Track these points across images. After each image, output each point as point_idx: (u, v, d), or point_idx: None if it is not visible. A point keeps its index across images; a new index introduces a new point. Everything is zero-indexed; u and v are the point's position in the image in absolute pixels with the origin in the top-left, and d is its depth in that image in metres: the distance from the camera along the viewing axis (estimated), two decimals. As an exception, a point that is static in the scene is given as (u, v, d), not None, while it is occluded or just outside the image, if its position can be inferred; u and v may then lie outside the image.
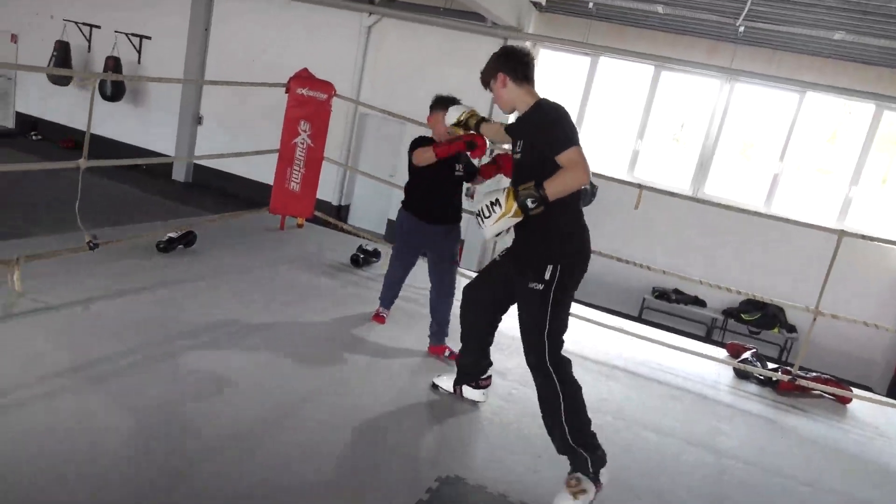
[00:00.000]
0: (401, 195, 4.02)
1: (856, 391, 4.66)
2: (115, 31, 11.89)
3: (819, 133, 9.25)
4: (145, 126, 12.26)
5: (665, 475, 3.16)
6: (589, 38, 9.40)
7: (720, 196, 9.19)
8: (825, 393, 4.48)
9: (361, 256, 5.32)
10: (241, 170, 10.80)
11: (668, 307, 9.30)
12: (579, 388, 2.76)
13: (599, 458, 2.70)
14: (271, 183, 5.58)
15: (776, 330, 8.82)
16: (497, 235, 2.70)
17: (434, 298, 3.95)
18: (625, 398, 3.96)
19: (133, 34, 11.96)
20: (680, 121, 9.86)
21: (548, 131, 2.69)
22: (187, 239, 4.83)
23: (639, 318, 9.00)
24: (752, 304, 8.89)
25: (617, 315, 7.05)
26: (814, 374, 4.59)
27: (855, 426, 4.23)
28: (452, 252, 3.96)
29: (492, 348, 3.37)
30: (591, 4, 8.44)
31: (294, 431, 2.85)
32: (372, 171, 9.85)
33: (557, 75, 10.03)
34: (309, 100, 5.24)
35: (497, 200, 2.62)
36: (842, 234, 4.30)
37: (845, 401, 4.48)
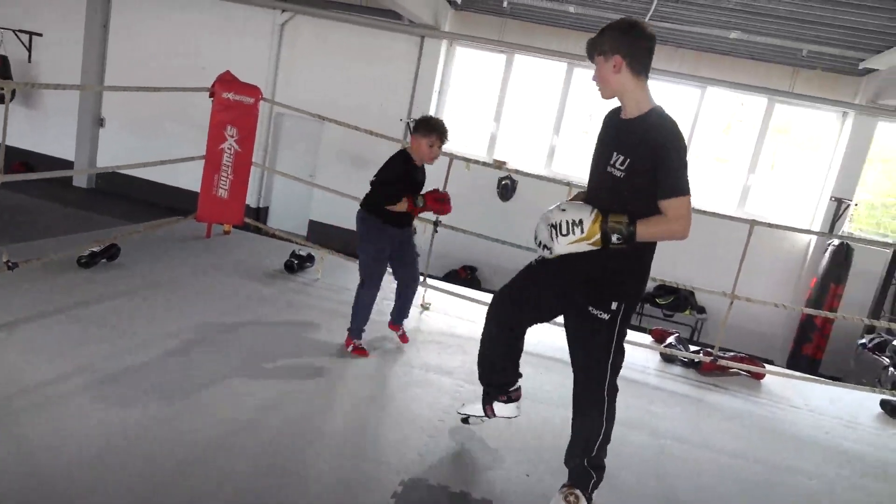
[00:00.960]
0: (322, 195, 4.14)
1: (767, 367, 5.08)
2: (1, 28, 11.00)
3: (717, 125, 9.91)
4: (40, 129, 11.44)
5: (611, 459, 3.34)
6: (504, 36, 9.62)
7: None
8: (742, 370, 4.85)
9: (296, 262, 5.24)
10: (152, 174, 10.29)
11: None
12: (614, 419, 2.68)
13: (600, 479, 2.68)
14: (187, 188, 5.38)
15: (688, 312, 9.40)
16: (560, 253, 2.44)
17: (405, 288, 4.10)
18: (565, 388, 4.12)
19: (21, 30, 11.10)
20: (588, 112, 10.27)
21: (667, 165, 2.29)
22: (110, 252, 4.58)
23: (562, 308, 9.33)
24: (664, 289, 9.42)
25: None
26: (731, 353, 4.96)
27: (770, 399, 4.62)
28: (413, 250, 4.06)
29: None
30: (505, 3, 8.65)
31: (251, 446, 2.80)
32: (291, 172, 9.69)
33: (474, 72, 10.21)
34: (235, 104, 5.08)
35: (580, 221, 2.36)
36: (753, 223, 4.67)
37: (759, 377, 4.87)
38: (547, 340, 4.45)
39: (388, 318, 4.25)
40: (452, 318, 5.03)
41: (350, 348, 3.89)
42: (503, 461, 3.10)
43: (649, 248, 2.51)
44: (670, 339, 5.11)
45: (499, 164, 9.40)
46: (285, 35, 10.43)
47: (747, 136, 9.67)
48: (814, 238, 9.28)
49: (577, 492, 2.63)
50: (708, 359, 4.76)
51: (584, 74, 9.78)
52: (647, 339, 5.41)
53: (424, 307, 5.03)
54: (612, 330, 2.51)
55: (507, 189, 9.87)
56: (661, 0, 7.22)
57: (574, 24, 9.25)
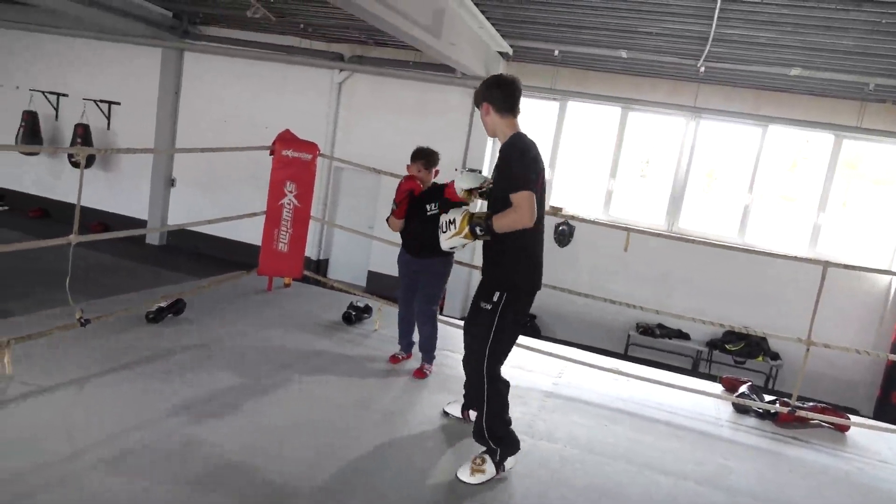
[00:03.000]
0: (381, 245, 4.41)
1: (852, 418, 4.73)
2: (84, 99, 11.85)
3: (782, 162, 9.59)
4: (116, 191, 12.13)
5: (684, 520, 3.15)
6: (556, 83, 9.69)
7: (693, 229, 9.42)
8: (824, 422, 4.53)
9: (353, 313, 5.28)
10: (217, 230, 10.70)
11: (652, 342, 9.37)
12: (505, 399, 3.23)
13: (508, 450, 3.18)
14: (250, 242, 5.55)
15: (760, 358, 8.94)
16: (452, 248, 3.11)
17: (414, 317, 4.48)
18: (632, 441, 3.95)
19: (102, 100, 11.94)
20: (645, 157, 10.14)
21: (510, 167, 2.98)
22: (176, 307, 4.75)
23: (625, 355, 9.05)
24: (734, 335, 9.02)
25: (603, 353, 7.10)
26: (811, 403, 4.65)
27: (857, 454, 4.28)
28: (428, 286, 4.33)
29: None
30: (556, 52, 8.73)
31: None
32: (350, 224, 9.88)
33: (528, 121, 10.27)
34: (294, 161, 5.26)
35: (454, 220, 3.03)
36: (826, 265, 4.43)
37: (844, 429, 4.53)
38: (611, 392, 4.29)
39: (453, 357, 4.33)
40: (512, 367, 4.91)
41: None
42: None
43: (515, 242, 3.00)
44: (743, 388, 4.84)
45: (555, 211, 9.35)
46: (343, 93, 10.82)
47: (815, 174, 9.30)
48: (894, 279, 8.73)
49: (485, 456, 3.16)
50: (786, 409, 4.47)
51: (639, 118, 9.72)
52: (717, 388, 5.15)
53: (482, 357, 4.95)
54: (493, 317, 3.04)
55: (563, 235, 9.77)
56: (715, 41, 7.13)
57: (626, 69, 9.24)
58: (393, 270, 10.26)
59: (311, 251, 10.76)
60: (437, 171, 4.32)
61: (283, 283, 5.97)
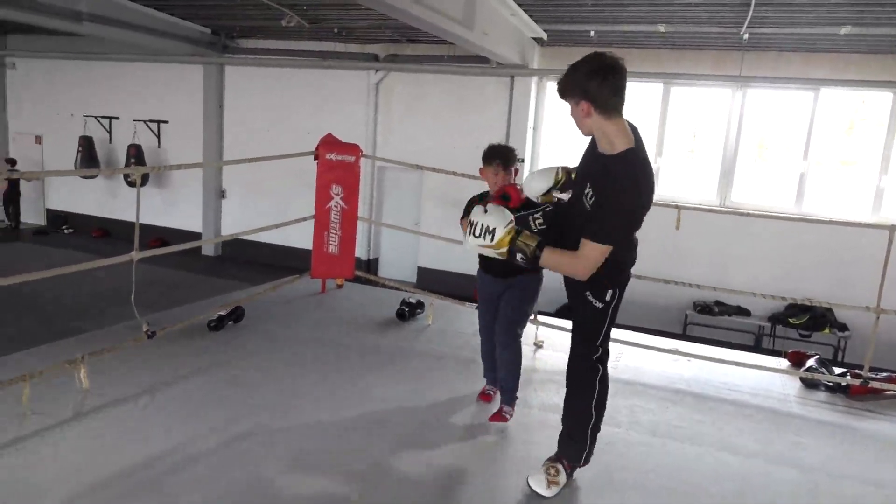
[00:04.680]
0: (428, 241, 4.14)
1: (931, 386, 4.51)
2: (134, 120, 12.31)
3: (837, 126, 9.20)
4: (171, 206, 12.56)
5: (757, 500, 3.07)
6: (594, 65, 9.52)
7: (747, 203, 9.14)
8: (900, 392, 4.35)
9: (406, 310, 5.34)
10: (268, 237, 10.96)
11: (711, 320, 9.15)
12: (607, 389, 2.87)
13: (589, 456, 2.89)
14: (301, 246, 5.67)
15: (827, 330, 8.62)
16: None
17: (493, 346, 3.68)
18: (696, 422, 3.88)
19: (151, 120, 12.37)
20: (692, 131, 9.87)
21: (603, 209, 2.40)
22: (236, 314, 4.89)
23: (683, 335, 8.86)
24: (797, 308, 8.72)
25: (662, 335, 6.96)
26: (884, 373, 4.47)
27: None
28: (512, 306, 3.58)
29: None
30: (592, 33, 8.58)
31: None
32: (396, 222, 9.97)
33: (566, 106, 10.16)
34: (338, 163, 5.34)
35: (493, 230, 2.46)
36: (893, 228, 4.23)
37: (922, 398, 4.34)
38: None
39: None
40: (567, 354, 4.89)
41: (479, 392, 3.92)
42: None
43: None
44: (811, 363, 4.68)
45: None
46: (380, 93, 10.90)
47: (874, 135, 8.89)
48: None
49: (558, 465, 2.89)
50: (857, 381, 4.30)
51: (682, 93, 9.47)
52: (783, 363, 5.00)
53: (538, 345, 4.94)
54: (605, 315, 2.74)
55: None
56: (758, 6, 6.88)
57: (666, 43, 9.01)
58: (443, 265, 10.31)
59: (360, 251, 10.89)
60: (516, 171, 3.68)
61: (335, 285, 6.08)
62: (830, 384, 4.45)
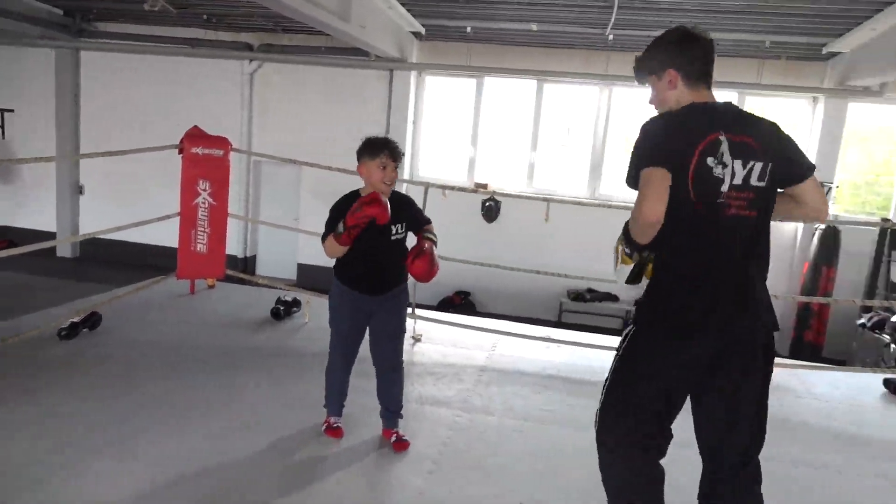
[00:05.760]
0: (307, 237, 3.79)
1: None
2: (-28, 108, 11.07)
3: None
4: (18, 203, 11.43)
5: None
6: (471, 60, 9.71)
7: (615, 195, 9.70)
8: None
9: (282, 309, 5.19)
10: (133, 236, 10.26)
11: (584, 307, 9.65)
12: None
13: None
14: (171, 245, 5.34)
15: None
16: (631, 282, 2.15)
17: (381, 376, 3.29)
18: (566, 405, 4.06)
19: (-8, 108, 11.18)
20: (565, 127, 10.33)
21: (636, 148, 2.08)
22: (92, 321, 4.53)
23: (559, 322, 9.29)
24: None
25: (538, 323, 7.27)
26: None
27: (773, 391, 4.52)
28: (399, 320, 3.27)
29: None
30: (468, 29, 8.74)
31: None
32: (274, 219, 9.68)
33: (446, 99, 10.29)
34: (205, 158, 5.08)
35: (616, 246, 2.19)
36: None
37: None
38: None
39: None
40: (446, 346, 4.98)
41: (324, 427, 3.36)
42: (506, 493, 3.01)
43: (679, 263, 2.06)
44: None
45: (479, 187, 9.43)
46: (255, 84, 10.50)
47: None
48: (800, 225, 9.27)
49: None
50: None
51: (555, 89, 9.87)
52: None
53: (416, 339, 4.97)
54: (616, 354, 2.20)
55: (491, 210, 9.89)
56: (621, 9, 7.30)
57: (539, 42, 9.34)
58: (324, 261, 10.08)
59: (236, 249, 10.49)
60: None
61: (206, 285, 5.80)
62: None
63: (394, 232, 3.05)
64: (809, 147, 9.30)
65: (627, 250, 2.11)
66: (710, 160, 1.95)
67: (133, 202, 10.45)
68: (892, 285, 8.74)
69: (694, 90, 2.10)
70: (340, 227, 2.85)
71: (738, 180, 1.98)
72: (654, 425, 2.13)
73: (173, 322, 4.96)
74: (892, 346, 6.73)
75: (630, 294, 2.20)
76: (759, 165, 2.00)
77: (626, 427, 2.14)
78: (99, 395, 3.60)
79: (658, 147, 1.98)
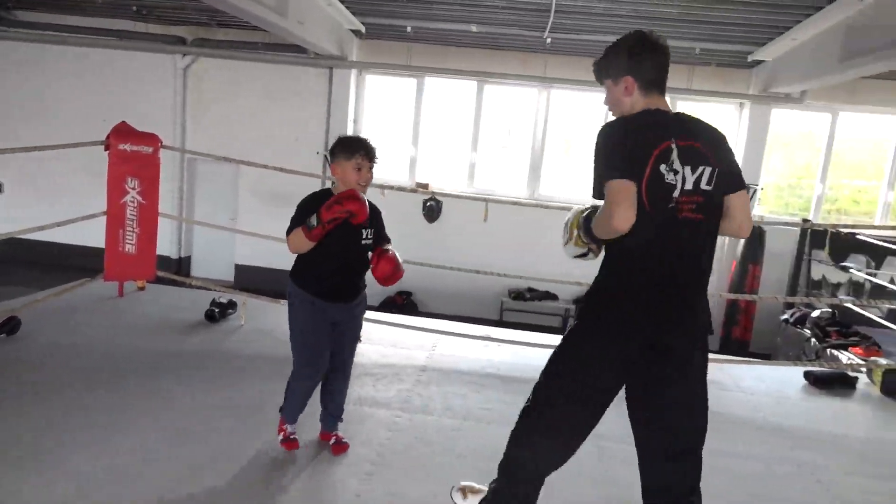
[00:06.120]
0: (245, 237, 3.70)
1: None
2: None
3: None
4: (-69, 202, 10.71)
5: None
6: (411, 60, 9.69)
7: (554, 195, 9.87)
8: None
9: (216, 311, 5.05)
10: (58, 236, 9.78)
11: (524, 306, 9.78)
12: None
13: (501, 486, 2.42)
14: (99, 246, 5.10)
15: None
16: (578, 257, 2.31)
17: (332, 385, 3.19)
18: (505, 404, 4.09)
19: None
20: (506, 128, 10.45)
21: (597, 157, 2.13)
22: (10, 326, 4.29)
23: (500, 321, 9.38)
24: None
25: (480, 322, 7.32)
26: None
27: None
28: (358, 329, 3.25)
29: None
30: (408, 28, 8.72)
31: (176, 515, 2.63)
32: (210, 218, 9.42)
33: (387, 99, 10.24)
34: (133, 154, 4.88)
35: (567, 223, 2.31)
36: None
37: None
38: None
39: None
40: (386, 346, 4.95)
41: (280, 437, 3.21)
42: (445, 492, 3.01)
43: (633, 263, 2.13)
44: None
45: (420, 187, 9.43)
46: (189, 79, 10.17)
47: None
48: (729, 225, 9.67)
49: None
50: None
51: (495, 91, 9.97)
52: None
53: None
54: (562, 337, 2.33)
55: (432, 210, 9.90)
56: (557, 13, 7.43)
57: (480, 43, 9.41)
58: (262, 261, 9.87)
59: (169, 250, 10.14)
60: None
61: (136, 287, 5.58)
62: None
63: (364, 236, 2.95)
64: (737, 151, 9.71)
65: (584, 238, 2.21)
66: (662, 167, 2.04)
67: (57, 200, 9.97)
68: (813, 282, 9.24)
69: (648, 97, 2.18)
70: (314, 220, 2.71)
71: (689, 185, 2.07)
72: (583, 413, 2.23)
73: (99, 326, 4.75)
74: (813, 340, 7.09)
75: (570, 292, 2.30)
76: (707, 170, 2.09)
77: (559, 410, 2.25)
78: (16, 405, 3.41)
79: (620, 156, 2.05)
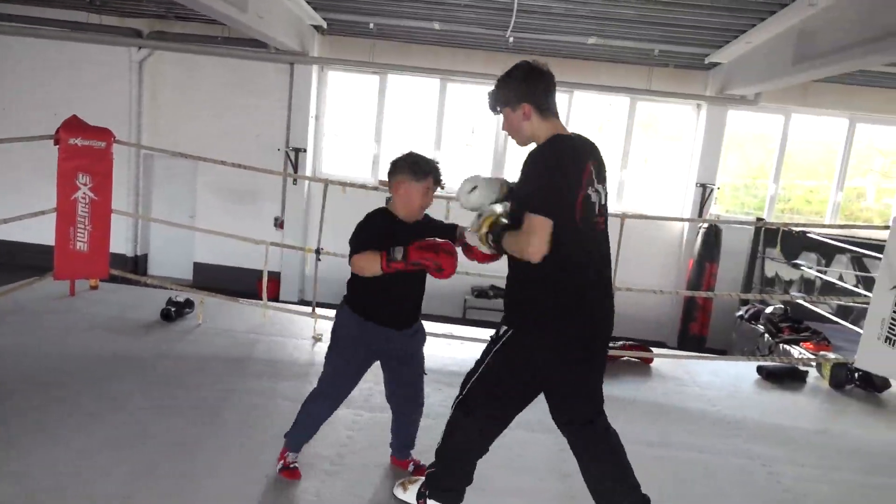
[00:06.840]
0: (204, 237, 3.60)
1: (655, 350, 5.30)
2: None
3: (589, 126, 10.38)
4: None
5: (514, 466, 3.34)
6: (374, 57, 9.64)
7: (517, 193, 9.94)
8: (631, 357, 5.03)
9: (173, 310, 4.93)
10: (6, 233, 9.44)
11: (488, 303, 9.82)
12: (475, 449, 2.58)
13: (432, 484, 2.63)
14: (49, 243, 4.94)
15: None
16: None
17: (405, 417, 3.08)
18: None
19: None
20: (469, 126, 10.48)
21: (531, 181, 2.25)
22: (-48, 326, 4.12)
23: (463, 319, 9.41)
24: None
25: (444, 320, 7.32)
26: (620, 342, 5.14)
27: (660, 381, 4.81)
28: (418, 360, 2.99)
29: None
30: (371, 25, 8.67)
31: (127, 520, 2.56)
32: (168, 216, 9.20)
33: (349, 96, 10.16)
34: (84, 149, 4.72)
35: (480, 216, 2.49)
36: (623, 216, 4.87)
37: (648, 361, 5.07)
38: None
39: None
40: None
41: (279, 465, 2.97)
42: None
43: (560, 280, 2.27)
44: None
45: (383, 185, 9.37)
46: (145, 73, 9.94)
47: (618, 135, 10.19)
48: (686, 224, 9.89)
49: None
50: (600, 351, 4.89)
51: (458, 89, 9.98)
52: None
53: (316, 339, 4.87)
54: (490, 352, 2.46)
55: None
56: (519, 12, 7.47)
57: (444, 41, 9.41)
58: (221, 259, 9.66)
59: (124, 248, 9.90)
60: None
61: (88, 286, 5.41)
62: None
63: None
64: (694, 151, 9.93)
65: (491, 243, 2.41)
66: (589, 189, 2.28)
67: (4, 196, 9.62)
68: (767, 280, 9.50)
69: (546, 120, 2.37)
70: (399, 254, 2.52)
71: (603, 201, 2.37)
72: (518, 409, 2.50)
73: (49, 326, 4.59)
74: (767, 335, 7.29)
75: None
76: (602, 186, 2.38)
77: (497, 407, 2.48)
78: (-42, 409, 3.27)
79: (551, 186, 2.22)
